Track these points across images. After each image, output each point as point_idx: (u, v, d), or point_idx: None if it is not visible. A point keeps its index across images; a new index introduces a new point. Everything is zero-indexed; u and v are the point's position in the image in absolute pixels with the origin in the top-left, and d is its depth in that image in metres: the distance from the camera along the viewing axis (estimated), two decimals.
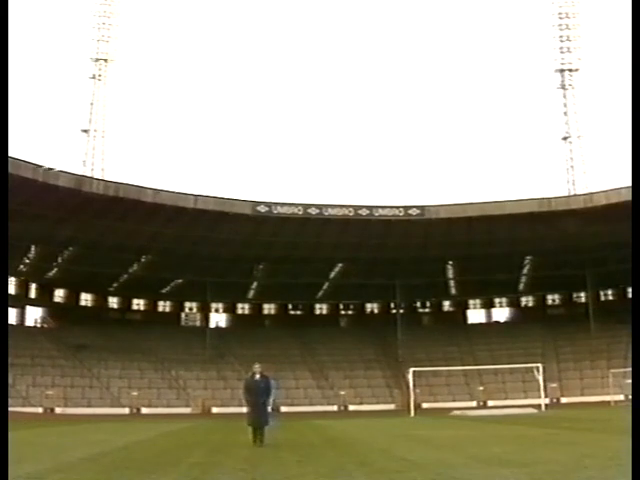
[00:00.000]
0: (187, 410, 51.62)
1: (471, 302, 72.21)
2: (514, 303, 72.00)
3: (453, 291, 69.61)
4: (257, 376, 14.13)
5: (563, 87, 76.76)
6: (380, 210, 50.18)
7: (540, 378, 41.22)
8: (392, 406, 53.12)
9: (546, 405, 41.62)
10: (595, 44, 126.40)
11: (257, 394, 13.87)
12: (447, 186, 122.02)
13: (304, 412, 45.76)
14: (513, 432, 19.07)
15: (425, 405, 50.49)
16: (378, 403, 54.28)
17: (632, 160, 12.65)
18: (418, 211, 49.98)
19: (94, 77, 75.35)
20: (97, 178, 58.26)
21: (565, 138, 76.83)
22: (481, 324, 70.60)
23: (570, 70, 76.23)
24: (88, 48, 74.86)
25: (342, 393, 55.37)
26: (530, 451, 12.36)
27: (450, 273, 64.23)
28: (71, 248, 53.17)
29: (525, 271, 63.40)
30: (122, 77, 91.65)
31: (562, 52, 75.56)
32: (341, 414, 46.40)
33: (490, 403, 52.68)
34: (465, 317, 71.73)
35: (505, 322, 71.00)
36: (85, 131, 75.53)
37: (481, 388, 55.77)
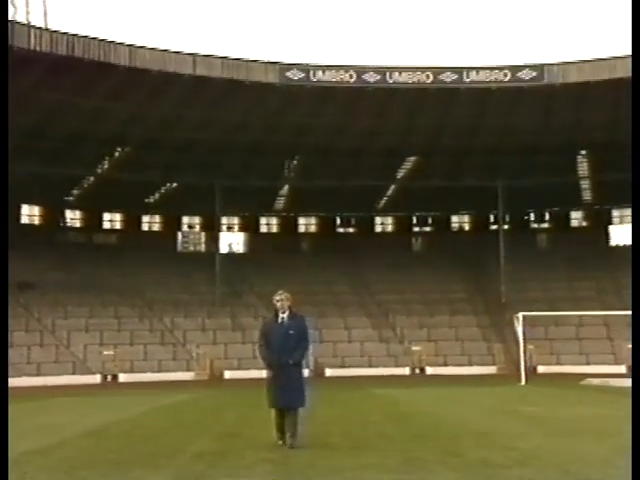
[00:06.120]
0: (188, 376, 52.91)
1: (615, 214, 71.34)
2: None
3: (587, 197, 68.83)
4: (283, 315, 11.75)
5: None
6: (473, 74, 49.28)
7: None
8: (492, 369, 53.65)
9: None
10: None
11: (283, 347, 11.56)
12: (572, 36, 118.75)
13: (361, 376, 46.66)
14: None
15: (542, 369, 50.96)
16: (470, 364, 54.92)
17: None
18: (533, 73, 48.93)
19: None
20: (39, 27, 57.84)
21: None
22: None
23: None
24: None
25: (416, 349, 56.06)
26: None
27: (583, 169, 63.33)
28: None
29: None
30: None
31: None
32: (415, 379, 46.99)
33: None
34: (607, 236, 71.11)
35: None
36: None
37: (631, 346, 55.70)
